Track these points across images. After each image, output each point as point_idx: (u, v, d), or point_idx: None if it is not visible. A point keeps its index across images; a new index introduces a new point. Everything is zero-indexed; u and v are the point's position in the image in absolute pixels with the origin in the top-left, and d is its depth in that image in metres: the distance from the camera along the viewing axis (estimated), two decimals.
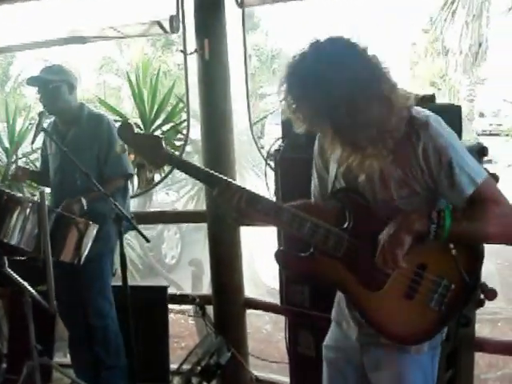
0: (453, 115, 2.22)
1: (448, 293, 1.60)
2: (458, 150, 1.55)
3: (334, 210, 1.73)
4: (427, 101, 2.17)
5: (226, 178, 1.70)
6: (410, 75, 14.58)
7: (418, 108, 1.60)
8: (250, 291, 3.62)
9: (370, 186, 1.64)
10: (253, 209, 1.67)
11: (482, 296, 2.47)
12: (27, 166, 3.29)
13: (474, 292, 1.64)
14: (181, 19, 3.18)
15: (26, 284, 2.68)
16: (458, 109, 2.26)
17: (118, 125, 3.06)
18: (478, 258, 1.62)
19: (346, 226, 1.66)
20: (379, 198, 1.63)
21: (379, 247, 1.56)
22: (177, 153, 4.25)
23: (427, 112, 1.59)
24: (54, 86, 2.90)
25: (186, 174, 1.77)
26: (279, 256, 1.76)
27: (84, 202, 2.81)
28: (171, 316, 4.01)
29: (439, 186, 1.57)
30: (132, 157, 1.81)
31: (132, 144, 1.75)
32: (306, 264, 1.73)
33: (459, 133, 2.25)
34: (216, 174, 1.70)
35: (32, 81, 2.97)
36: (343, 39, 1.50)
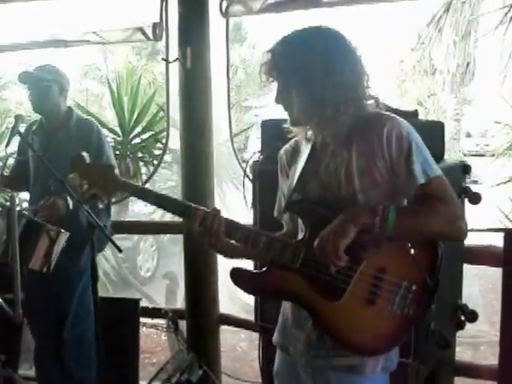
0: (435, 131, 2.20)
1: (410, 294, 1.56)
2: (418, 142, 1.58)
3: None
4: (410, 116, 2.14)
5: (188, 203, 1.72)
6: (397, 94, 14.71)
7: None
8: (226, 307, 3.55)
9: (336, 183, 1.63)
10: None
11: (462, 318, 2.45)
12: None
13: (435, 293, 1.59)
14: (164, 27, 3.14)
15: None
16: (441, 125, 2.24)
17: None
18: (436, 258, 1.59)
19: (302, 237, 1.67)
20: (343, 195, 1.62)
21: (318, 237, 1.55)
22: (155, 162, 4.22)
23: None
24: (44, 84, 2.84)
25: (145, 201, 1.75)
26: (233, 274, 1.71)
27: (70, 200, 2.72)
28: (143, 330, 3.92)
29: (399, 173, 1.57)
30: (85, 187, 1.77)
31: (85, 175, 1.76)
32: (261, 281, 1.71)
33: (442, 149, 2.23)
34: (179, 200, 1.75)
35: (23, 77, 2.89)
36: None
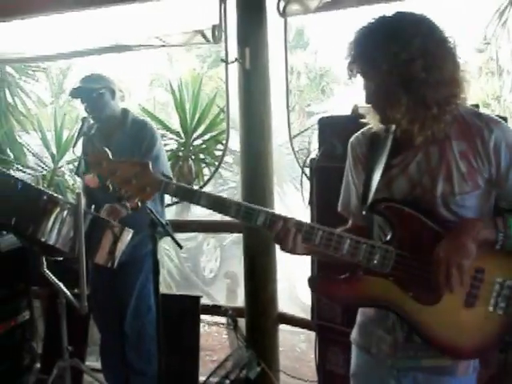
0: None
1: None
2: None
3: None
4: None
5: (252, 206, 1.55)
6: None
7: None
8: (285, 307, 3.55)
9: (429, 182, 1.53)
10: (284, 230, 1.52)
11: None
12: None
13: None
14: (223, 29, 3.19)
15: (60, 285, 2.72)
16: (503, 120, 2.15)
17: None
18: None
19: (389, 238, 1.54)
20: (438, 195, 1.52)
21: (441, 259, 1.43)
22: (217, 163, 4.27)
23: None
24: (97, 93, 2.92)
25: (191, 202, 1.59)
26: (315, 282, 1.61)
27: (128, 205, 2.80)
28: (205, 328, 3.97)
29: (505, 182, 1.51)
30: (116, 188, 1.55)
31: (108, 174, 1.56)
32: (347, 287, 1.57)
33: None
34: (241, 202, 1.57)
35: (75, 92, 2.98)
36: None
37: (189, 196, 1.58)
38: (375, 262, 1.51)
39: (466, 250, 1.42)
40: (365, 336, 1.70)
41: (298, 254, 1.55)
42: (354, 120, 2.41)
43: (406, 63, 1.41)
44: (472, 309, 1.50)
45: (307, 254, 1.64)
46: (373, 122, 1.60)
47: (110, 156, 1.59)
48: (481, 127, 1.50)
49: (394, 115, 1.50)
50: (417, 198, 1.55)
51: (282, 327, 3.47)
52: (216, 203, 1.56)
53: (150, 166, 1.58)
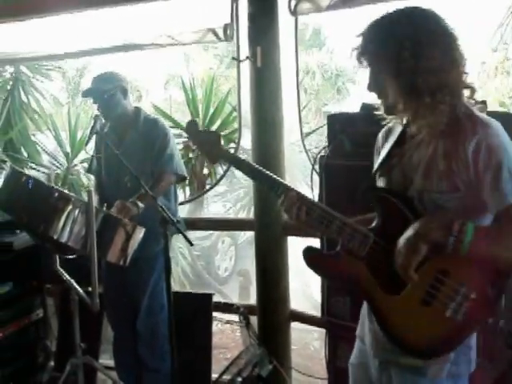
0: (505, 122, 2.10)
1: (466, 302, 1.49)
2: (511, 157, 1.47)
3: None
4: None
5: (279, 180, 1.74)
6: (478, 96, 14.00)
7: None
8: (298, 304, 3.54)
9: (414, 176, 1.58)
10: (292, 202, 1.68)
11: None
12: None
13: (495, 307, 1.55)
14: (235, 27, 3.20)
15: (73, 282, 2.74)
16: (510, 117, 2.14)
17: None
18: (503, 271, 1.51)
19: (374, 224, 1.63)
20: (418, 189, 1.56)
21: (396, 251, 1.50)
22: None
23: (493, 119, 1.54)
24: (108, 94, 2.94)
25: (242, 171, 1.85)
26: (306, 254, 1.71)
27: (140, 204, 2.82)
28: (219, 326, 3.98)
29: (482, 186, 1.48)
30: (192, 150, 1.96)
31: (195, 138, 1.94)
32: (331, 263, 1.71)
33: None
34: (271, 175, 1.76)
35: (87, 93, 3.01)
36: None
37: (239, 164, 1.85)
38: (354, 244, 1.61)
39: (413, 247, 1.45)
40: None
41: (302, 225, 1.70)
42: (362, 117, 2.44)
43: (396, 51, 1.48)
44: (428, 308, 1.53)
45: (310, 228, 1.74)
46: (385, 115, 1.66)
47: (199, 126, 2.00)
48: (466, 129, 1.49)
49: (391, 103, 1.57)
50: (406, 189, 1.60)
51: (296, 325, 3.47)
52: (254, 172, 1.81)
53: (221, 139, 1.94)
